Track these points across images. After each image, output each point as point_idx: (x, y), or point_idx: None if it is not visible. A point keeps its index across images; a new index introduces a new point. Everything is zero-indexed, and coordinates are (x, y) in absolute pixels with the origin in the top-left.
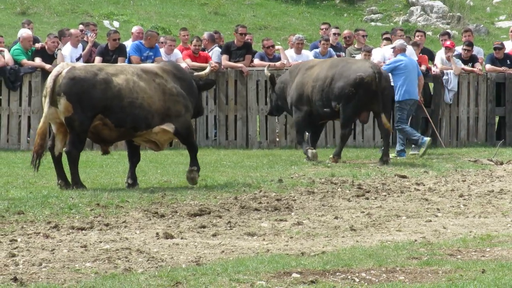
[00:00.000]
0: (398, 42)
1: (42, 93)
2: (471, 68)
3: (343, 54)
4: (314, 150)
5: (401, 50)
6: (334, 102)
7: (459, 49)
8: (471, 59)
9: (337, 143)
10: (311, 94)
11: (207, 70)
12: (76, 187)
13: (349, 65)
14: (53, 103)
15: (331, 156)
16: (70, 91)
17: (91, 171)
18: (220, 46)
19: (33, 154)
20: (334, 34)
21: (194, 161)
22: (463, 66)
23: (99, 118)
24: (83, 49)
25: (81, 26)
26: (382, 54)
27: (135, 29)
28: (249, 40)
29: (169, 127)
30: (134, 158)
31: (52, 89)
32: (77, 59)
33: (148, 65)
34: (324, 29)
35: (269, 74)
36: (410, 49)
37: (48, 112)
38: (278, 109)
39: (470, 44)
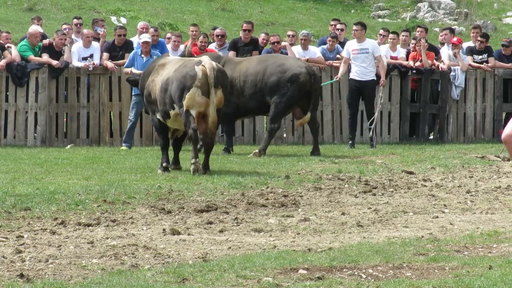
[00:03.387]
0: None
1: (194, 84)
2: (478, 64)
3: None
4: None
5: None
6: (268, 97)
7: (465, 45)
8: (486, 50)
9: (344, 139)
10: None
11: None
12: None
13: (281, 61)
14: (205, 93)
15: (256, 150)
16: (224, 83)
17: (98, 167)
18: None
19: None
20: (338, 29)
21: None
22: (470, 62)
23: None
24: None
25: (75, 21)
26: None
27: (140, 24)
28: (264, 40)
29: None
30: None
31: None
32: (84, 59)
33: None
34: (333, 25)
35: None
36: (372, 43)
37: (203, 101)
38: None
39: (484, 36)
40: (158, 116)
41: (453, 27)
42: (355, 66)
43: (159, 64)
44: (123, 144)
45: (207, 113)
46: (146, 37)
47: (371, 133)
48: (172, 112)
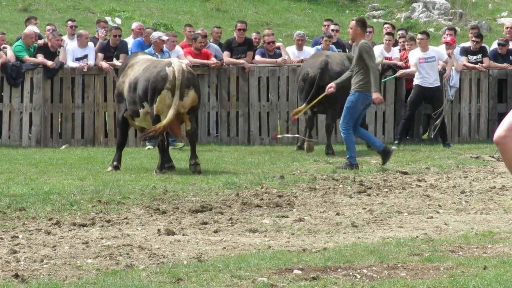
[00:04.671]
0: None
1: (163, 87)
2: (473, 65)
3: (347, 50)
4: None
5: None
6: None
7: (461, 45)
8: (480, 50)
9: (339, 139)
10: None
11: None
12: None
13: (308, 59)
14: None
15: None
16: (196, 84)
17: (92, 168)
18: (219, 43)
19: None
20: (333, 30)
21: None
22: (464, 62)
23: None
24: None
25: (69, 23)
26: (380, 51)
27: (135, 25)
28: (256, 39)
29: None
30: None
31: (181, 83)
32: (78, 59)
33: None
34: (327, 26)
35: None
36: (436, 50)
37: (175, 103)
38: None
39: (479, 36)
40: (125, 115)
41: (451, 26)
42: (422, 74)
43: (129, 65)
44: (148, 143)
45: (169, 113)
46: (163, 35)
47: (435, 131)
48: (142, 111)
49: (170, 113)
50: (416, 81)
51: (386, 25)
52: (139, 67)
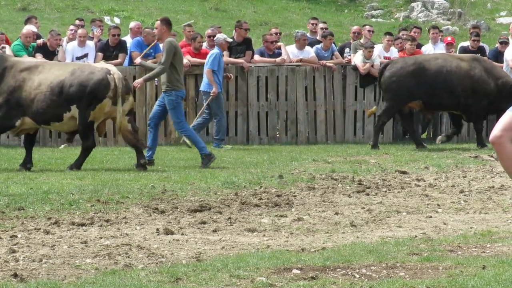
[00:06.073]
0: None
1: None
2: None
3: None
4: None
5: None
6: None
7: (461, 44)
8: (478, 50)
9: (337, 138)
10: None
11: None
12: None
13: None
14: (115, 102)
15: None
16: (131, 89)
17: (91, 167)
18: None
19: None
20: (321, 29)
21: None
22: None
23: None
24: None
25: (77, 21)
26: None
27: (133, 24)
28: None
29: None
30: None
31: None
32: (78, 58)
33: None
34: (314, 24)
35: None
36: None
37: (112, 110)
38: None
39: (478, 35)
40: (26, 120)
41: (446, 26)
42: None
43: (21, 68)
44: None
45: (116, 122)
46: (227, 37)
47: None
48: (67, 115)
49: (119, 118)
50: None
51: (415, 28)
52: (58, 70)
